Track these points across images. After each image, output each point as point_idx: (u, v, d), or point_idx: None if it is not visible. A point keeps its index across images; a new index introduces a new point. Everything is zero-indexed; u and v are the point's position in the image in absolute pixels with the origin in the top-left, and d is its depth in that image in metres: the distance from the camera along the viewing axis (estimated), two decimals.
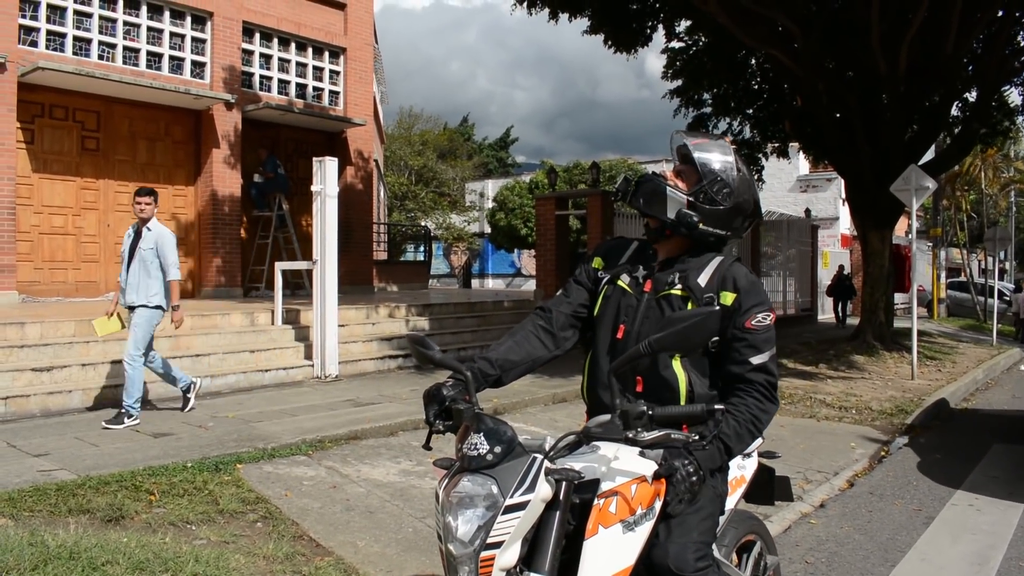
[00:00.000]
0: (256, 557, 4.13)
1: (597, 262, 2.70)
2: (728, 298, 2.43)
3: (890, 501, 5.95)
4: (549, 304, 2.70)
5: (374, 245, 18.69)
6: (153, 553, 3.89)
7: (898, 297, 22.53)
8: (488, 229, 36.56)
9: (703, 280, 2.47)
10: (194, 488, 5.13)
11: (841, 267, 23.16)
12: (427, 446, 2.41)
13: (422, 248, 26.13)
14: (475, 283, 39.18)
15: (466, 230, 39.62)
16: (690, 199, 2.47)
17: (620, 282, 2.58)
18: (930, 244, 28.74)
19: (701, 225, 2.46)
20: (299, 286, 14.17)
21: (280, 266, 10.69)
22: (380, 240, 21.06)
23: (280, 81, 15.40)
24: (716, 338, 2.42)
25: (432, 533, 4.65)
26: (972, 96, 15.73)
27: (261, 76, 15.07)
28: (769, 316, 2.43)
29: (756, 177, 17.49)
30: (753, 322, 2.40)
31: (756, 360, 2.39)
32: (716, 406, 2.09)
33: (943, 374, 12.54)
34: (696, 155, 2.50)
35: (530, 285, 30.01)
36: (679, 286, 2.48)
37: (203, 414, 7.42)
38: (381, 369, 10.47)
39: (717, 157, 2.51)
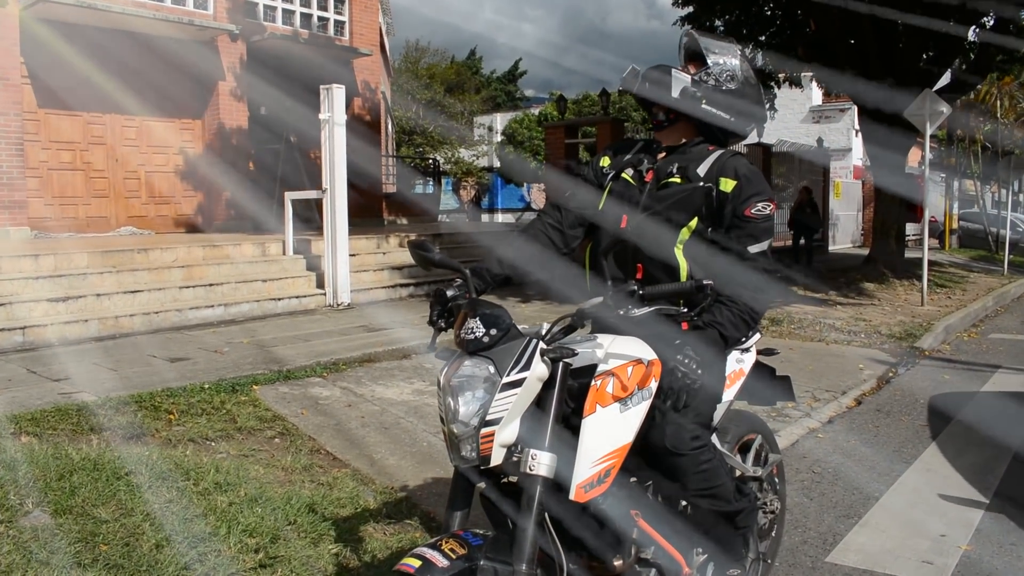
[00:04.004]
0: (275, 468, 4.24)
1: (605, 160, 2.72)
2: (728, 184, 2.46)
3: (897, 418, 6.03)
4: (558, 201, 2.71)
5: (383, 179, 18.63)
6: (175, 464, 4.01)
7: (909, 228, 22.30)
8: (497, 163, 36.27)
9: (702, 170, 2.50)
10: (212, 408, 5.23)
11: (806, 189, 18.00)
12: (432, 346, 2.44)
13: (431, 183, 25.98)
14: (484, 218, 38.99)
15: (475, 164, 39.31)
16: (694, 78, 2.50)
17: (624, 175, 2.62)
18: (943, 175, 28.42)
19: (704, 103, 2.48)
20: (308, 219, 14.13)
21: (290, 195, 10.68)
22: (389, 174, 20.97)
23: (284, 11, 15.18)
24: (711, 228, 2.47)
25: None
26: (990, 21, 15.37)
27: (265, 6, 14.86)
28: (769, 206, 2.46)
29: (768, 107, 17.23)
30: (753, 210, 2.43)
31: (753, 249, 2.44)
32: (705, 281, 2.11)
33: (953, 301, 12.54)
34: (703, 44, 2.53)
35: None
36: (678, 176, 2.51)
37: (218, 340, 7.52)
38: (392, 297, 10.54)
39: (725, 48, 2.55)
